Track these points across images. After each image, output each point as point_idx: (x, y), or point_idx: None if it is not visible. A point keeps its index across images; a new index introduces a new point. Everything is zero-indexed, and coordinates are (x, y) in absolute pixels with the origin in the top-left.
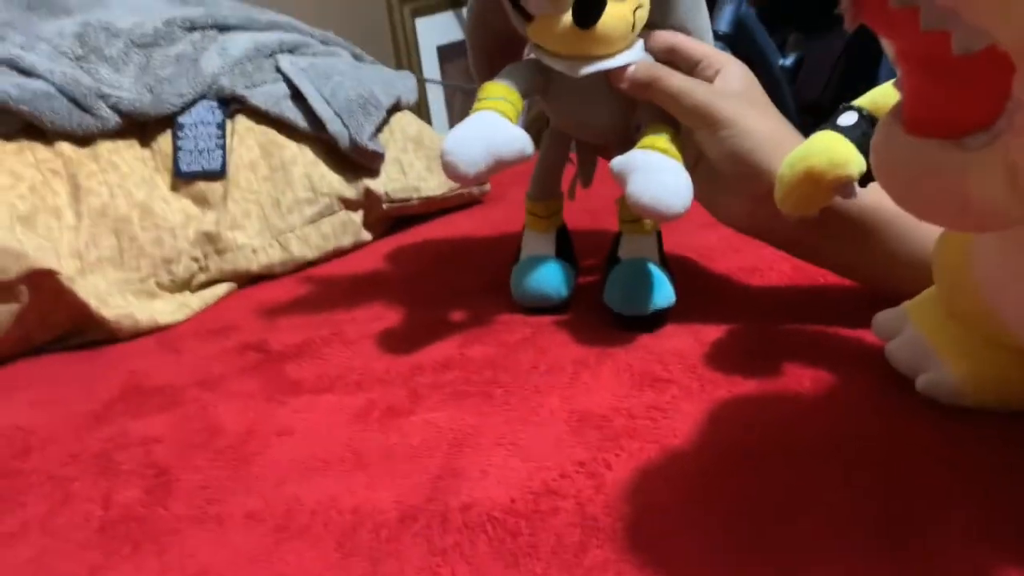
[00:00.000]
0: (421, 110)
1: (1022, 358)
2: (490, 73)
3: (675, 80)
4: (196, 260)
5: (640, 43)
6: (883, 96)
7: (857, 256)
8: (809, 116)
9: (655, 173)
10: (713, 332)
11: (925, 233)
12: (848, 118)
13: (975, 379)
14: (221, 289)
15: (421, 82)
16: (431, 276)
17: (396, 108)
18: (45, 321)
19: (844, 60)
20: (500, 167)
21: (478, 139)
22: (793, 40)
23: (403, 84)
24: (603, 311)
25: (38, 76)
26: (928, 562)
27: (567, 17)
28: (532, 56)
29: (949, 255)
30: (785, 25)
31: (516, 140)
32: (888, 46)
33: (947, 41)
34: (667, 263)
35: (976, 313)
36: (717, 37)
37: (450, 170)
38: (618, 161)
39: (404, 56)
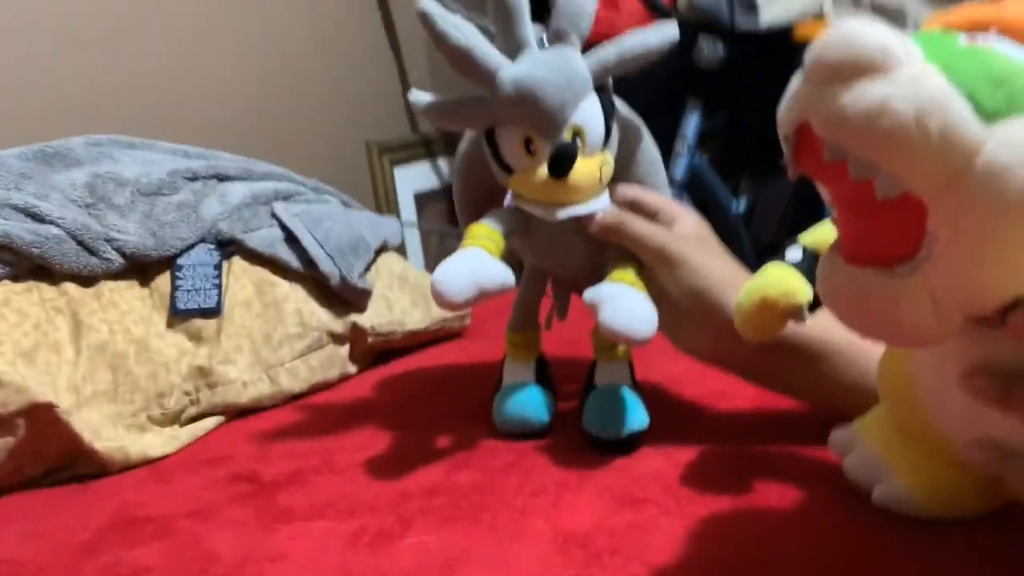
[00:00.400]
0: (399, 252)
1: (964, 469)
2: (474, 217)
3: (638, 225)
4: (188, 394)
5: (607, 193)
6: (823, 233)
7: (810, 381)
8: (766, 254)
9: (624, 302)
10: (686, 454)
11: (869, 359)
12: (794, 253)
13: (924, 491)
14: (211, 422)
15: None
16: (416, 405)
17: (383, 249)
18: (38, 454)
19: (794, 202)
20: (484, 297)
21: (465, 271)
22: (745, 186)
23: (389, 228)
24: (582, 435)
25: (50, 222)
26: None
27: (543, 169)
28: (512, 203)
29: (892, 373)
30: (737, 172)
31: (499, 274)
32: (824, 190)
33: (871, 188)
34: (640, 389)
35: (920, 426)
36: (674, 185)
37: (439, 298)
38: (590, 292)
39: (384, 202)
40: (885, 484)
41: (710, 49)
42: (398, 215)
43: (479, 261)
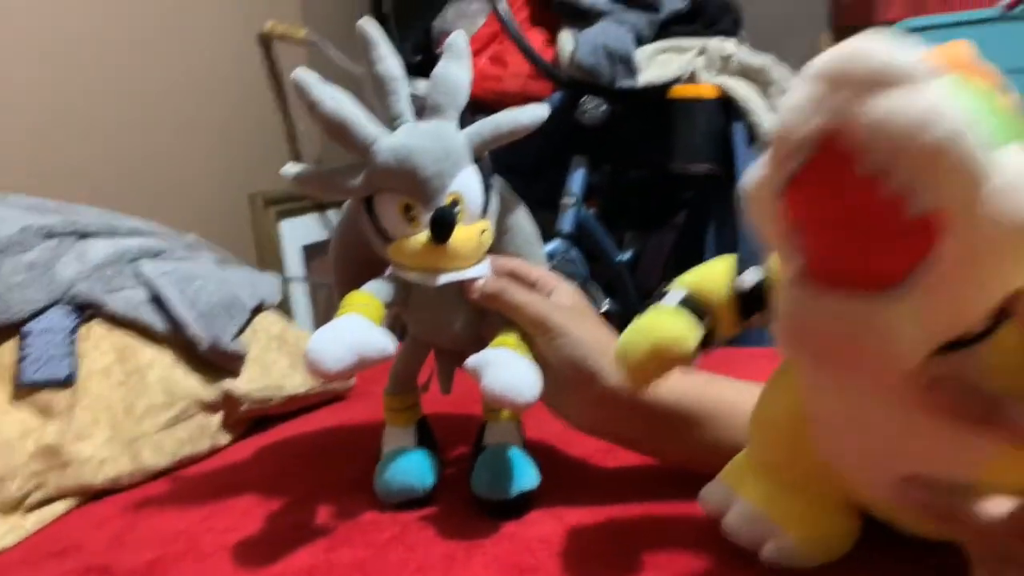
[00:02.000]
0: (286, 307)
1: (845, 514)
2: (352, 287)
3: (519, 294)
4: (34, 476)
5: (488, 260)
6: (702, 274)
7: (689, 445)
8: (650, 300)
9: (505, 366)
10: (576, 515)
11: (743, 419)
12: (675, 295)
13: (814, 542)
14: (60, 506)
15: (286, 281)
16: (293, 477)
17: (260, 308)
18: None
19: (676, 250)
20: (363, 365)
21: (342, 339)
22: (629, 237)
23: (266, 285)
24: (468, 500)
25: None
26: None
27: (423, 235)
28: (391, 272)
29: (770, 418)
30: (621, 224)
31: (379, 341)
32: (790, 210)
33: (900, 204)
34: (528, 448)
35: (801, 473)
36: (563, 236)
37: (313, 367)
38: (473, 359)
39: (269, 256)
40: (774, 540)
41: (593, 106)
42: (283, 269)
43: (358, 328)
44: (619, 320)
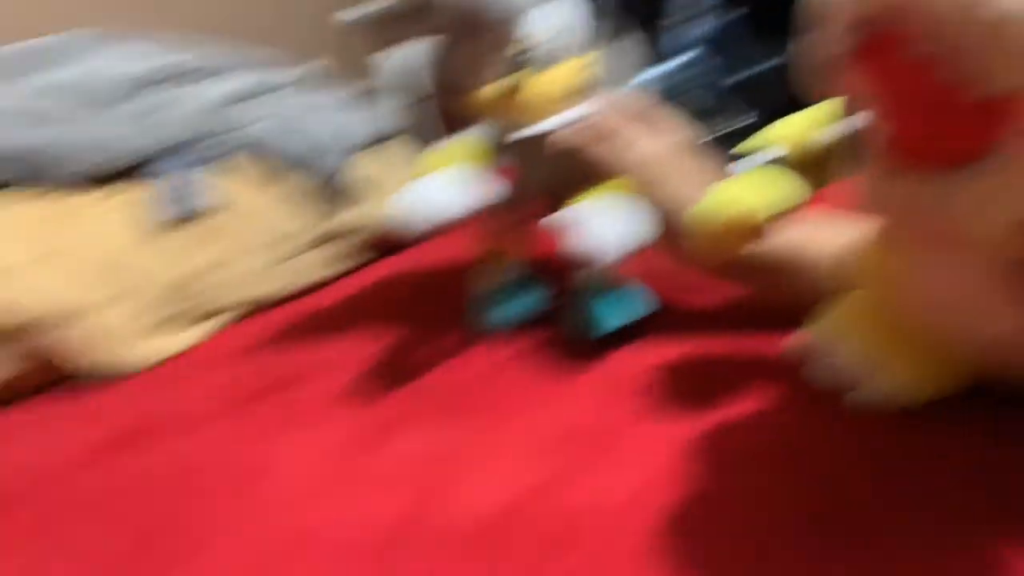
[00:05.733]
0: (402, 137)
1: (948, 365)
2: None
3: (597, 149)
4: (187, 296)
5: (581, 104)
6: (803, 123)
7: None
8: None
9: (588, 223)
10: (672, 348)
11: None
12: (761, 157)
13: (915, 381)
14: (215, 323)
15: (402, 110)
16: (409, 304)
17: (375, 142)
18: (51, 360)
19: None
20: (447, 226)
21: (427, 197)
22: (778, 43)
23: (381, 118)
24: (572, 331)
25: (40, 128)
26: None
27: (501, 85)
28: (479, 124)
29: (880, 266)
30: (771, 28)
31: (463, 201)
32: (866, 89)
33: (962, 88)
34: (626, 282)
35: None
36: (704, 42)
37: (398, 228)
38: (554, 216)
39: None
40: (875, 381)
41: None
42: (393, 97)
43: (442, 186)
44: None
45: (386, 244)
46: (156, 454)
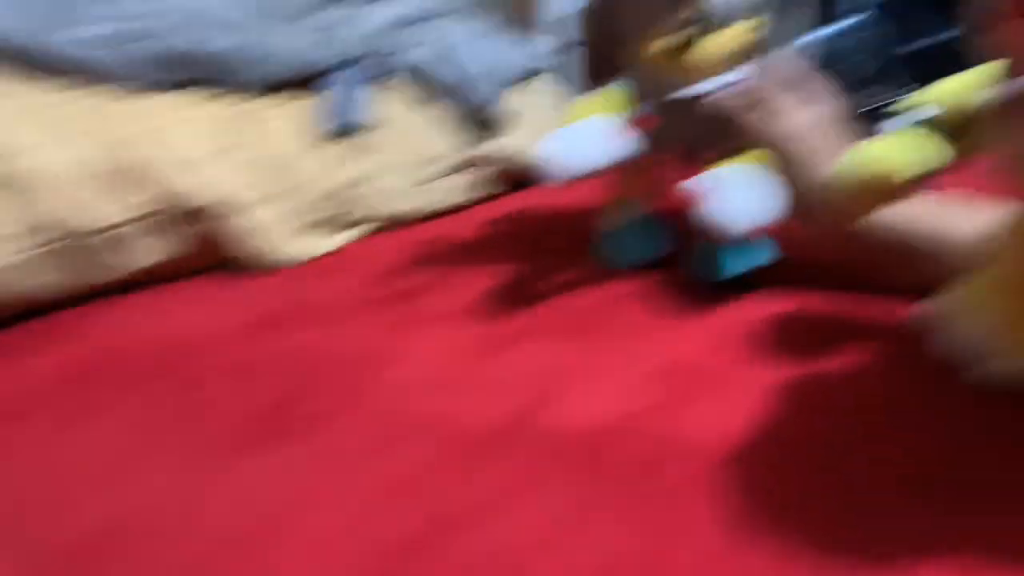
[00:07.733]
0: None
1: None
2: (598, 80)
3: (746, 119)
4: (339, 204)
5: (740, 69)
6: (965, 84)
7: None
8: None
9: (723, 192)
10: (788, 302)
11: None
12: (916, 116)
13: None
14: (360, 231)
15: (559, 48)
16: (539, 236)
17: (529, 75)
18: (215, 246)
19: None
20: (593, 173)
21: (574, 146)
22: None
23: (536, 52)
24: (694, 274)
25: (221, 35)
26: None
27: (668, 41)
28: (634, 73)
29: None
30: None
31: (606, 152)
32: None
33: None
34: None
35: None
36: (875, 6)
37: (545, 173)
38: (692, 180)
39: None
40: (1002, 358)
41: None
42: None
43: (589, 133)
44: None
45: (523, 178)
46: (297, 337)
